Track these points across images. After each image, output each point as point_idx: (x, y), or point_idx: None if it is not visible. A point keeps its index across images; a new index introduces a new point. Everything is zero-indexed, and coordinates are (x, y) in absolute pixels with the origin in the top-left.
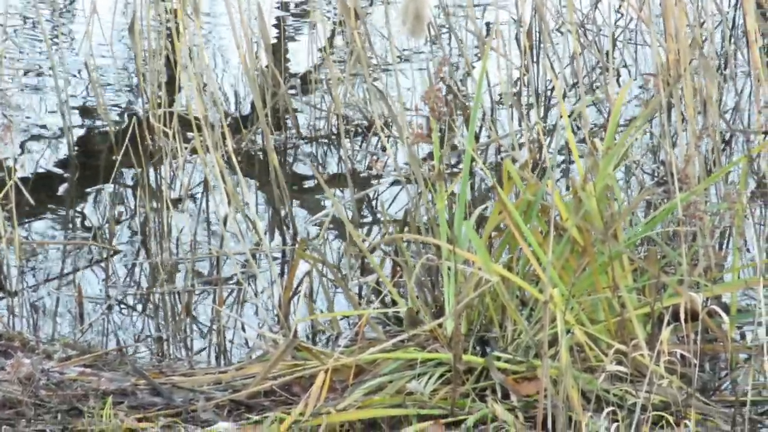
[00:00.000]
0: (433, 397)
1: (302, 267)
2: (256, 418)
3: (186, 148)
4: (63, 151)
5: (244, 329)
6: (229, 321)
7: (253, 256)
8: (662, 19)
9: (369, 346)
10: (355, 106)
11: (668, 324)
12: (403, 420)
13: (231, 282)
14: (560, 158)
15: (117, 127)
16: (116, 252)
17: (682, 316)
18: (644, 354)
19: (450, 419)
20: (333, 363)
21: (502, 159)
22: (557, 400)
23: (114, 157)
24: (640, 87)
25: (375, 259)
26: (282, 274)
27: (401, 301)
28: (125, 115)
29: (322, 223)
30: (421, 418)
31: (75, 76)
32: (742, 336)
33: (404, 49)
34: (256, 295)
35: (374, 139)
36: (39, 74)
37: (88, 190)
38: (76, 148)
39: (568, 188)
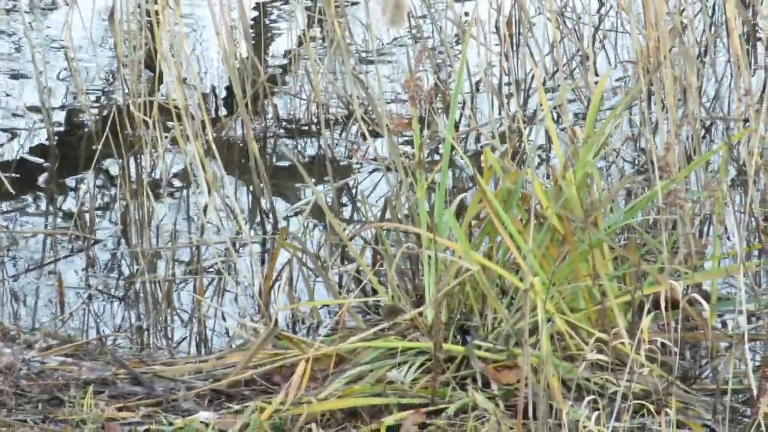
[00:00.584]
0: (413, 386)
1: (282, 256)
2: (237, 407)
3: (166, 137)
4: (43, 141)
5: (224, 318)
6: (210, 310)
7: (234, 245)
8: (642, 7)
9: (349, 335)
10: (335, 93)
11: (649, 312)
12: (384, 409)
13: (211, 271)
14: (540, 146)
15: (97, 117)
16: (97, 241)
17: (662, 304)
18: (625, 342)
19: (431, 408)
20: (314, 352)
21: (482, 147)
22: (538, 389)
23: (94, 147)
24: (617, 79)
25: (355, 247)
26: (262, 263)
27: (382, 290)
28: (105, 105)
29: (302, 212)
30: (402, 407)
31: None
32: (723, 324)
33: (387, 43)
34: (236, 284)
35: (354, 128)
36: (15, 75)
37: (68, 179)
38: (56, 137)
39: (548, 176)
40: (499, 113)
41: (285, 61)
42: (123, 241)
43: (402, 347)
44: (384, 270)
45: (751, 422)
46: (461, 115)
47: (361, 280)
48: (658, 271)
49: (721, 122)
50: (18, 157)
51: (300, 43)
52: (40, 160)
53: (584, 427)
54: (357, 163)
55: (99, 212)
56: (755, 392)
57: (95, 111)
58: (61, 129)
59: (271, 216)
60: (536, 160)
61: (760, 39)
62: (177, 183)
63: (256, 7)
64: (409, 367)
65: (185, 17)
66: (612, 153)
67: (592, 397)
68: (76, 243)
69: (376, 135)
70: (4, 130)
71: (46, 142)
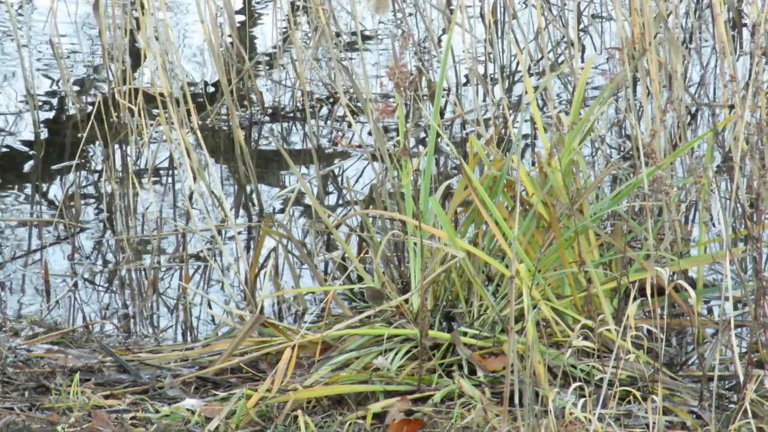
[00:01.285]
0: (399, 373)
1: (268, 243)
2: (223, 394)
3: (151, 125)
4: (29, 129)
5: (210, 306)
6: (196, 298)
7: (219, 232)
8: None
9: (335, 323)
10: (320, 81)
11: (635, 299)
12: (370, 396)
13: (197, 259)
14: (525, 133)
15: (82, 104)
16: (82, 229)
17: (648, 290)
18: (611, 329)
19: (417, 395)
20: (299, 339)
21: (467, 134)
22: (524, 376)
23: (79, 135)
24: (602, 62)
25: (341, 235)
26: (248, 250)
27: (367, 277)
28: (90, 92)
29: (287, 200)
30: (388, 395)
31: (40, 52)
32: (709, 311)
33: (373, 29)
34: (222, 271)
35: (339, 115)
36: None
37: (54, 167)
38: (41, 125)
39: (533, 163)
40: (485, 100)
41: (270, 49)
42: (109, 228)
43: (388, 334)
44: (370, 257)
45: (738, 408)
46: (446, 102)
47: (347, 268)
48: (644, 257)
49: (706, 108)
50: (3, 146)
51: (285, 31)
52: (26, 149)
53: (570, 413)
54: (342, 151)
55: (85, 200)
56: (741, 378)
57: (80, 99)
58: (47, 117)
59: (256, 203)
60: (521, 146)
61: (745, 25)
62: (162, 171)
63: None
64: (395, 354)
65: (169, 5)
66: (597, 139)
67: (578, 383)
68: (62, 231)
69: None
70: None
71: (32, 131)
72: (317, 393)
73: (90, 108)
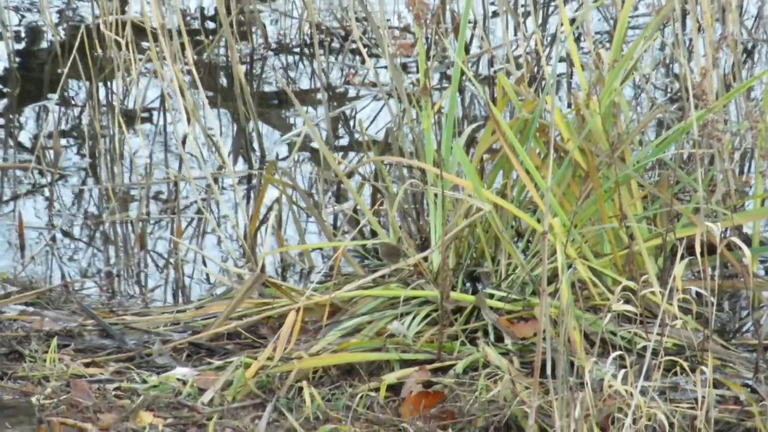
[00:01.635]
0: (417, 340)
1: (270, 194)
2: (219, 363)
3: (140, 60)
4: (1, 63)
5: (205, 263)
6: (189, 254)
7: (216, 181)
8: None
9: (345, 283)
10: (330, 11)
11: (682, 258)
12: (384, 366)
13: (191, 210)
14: (560, 71)
15: (63, 36)
16: (62, 176)
17: (697, 248)
18: (655, 291)
19: (436, 364)
20: (305, 301)
21: (495, 73)
22: (557, 343)
23: (59, 70)
24: None
25: (352, 184)
26: (248, 201)
27: (382, 232)
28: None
29: (292, 145)
30: (404, 364)
31: None
32: (766, 271)
33: None
34: (218, 225)
35: (351, 50)
36: None
37: (30, 106)
38: (17, 59)
39: (569, 105)
40: (515, 34)
41: None
42: (91, 176)
43: (404, 296)
44: (384, 210)
45: None
46: (472, 36)
47: (359, 221)
48: (693, 211)
49: (764, 44)
50: None
51: None
52: None
53: (609, 386)
54: (355, 90)
55: (64, 144)
56: None
57: (61, 30)
58: (23, 49)
59: (258, 149)
60: (556, 86)
61: None
62: (153, 112)
63: None
64: (413, 319)
65: None
66: (641, 79)
67: (618, 352)
68: (39, 178)
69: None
70: None
71: (6, 65)
72: (325, 362)
73: (71, 40)
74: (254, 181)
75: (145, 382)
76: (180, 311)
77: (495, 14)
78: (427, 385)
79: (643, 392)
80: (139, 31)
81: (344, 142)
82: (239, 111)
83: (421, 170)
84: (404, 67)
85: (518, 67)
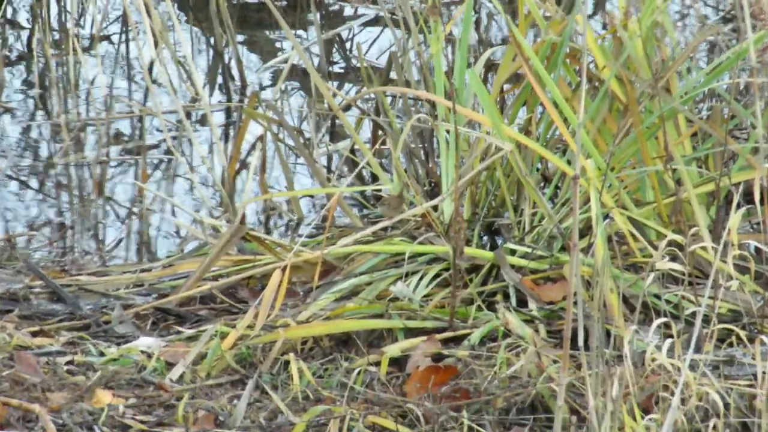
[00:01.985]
0: (425, 305)
1: (252, 130)
2: (190, 332)
3: None
4: None
5: (174, 213)
6: (156, 202)
7: (188, 116)
8: None
9: (341, 237)
10: None
11: (738, 206)
12: (386, 335)
13: (158, 151)
14: None
15: None
16: (6, 109)
17: (756, 195)
18: (706, 247)
19: (448, 334)
20: (292, 258)
21: None
22: (590, 309)
23: None
24: None
25: (349, 120)
26: (226, 140)
27: (384, 177)
28: None
29: (278, 73)
30: (410, 333)
31: None
32: None
33: None
34: (191, 168)
35: None
36: None
37: None
38: None
39: (604, 27)
40: None
41: None
42: (41, 109)
43: (410, 252)
44: (387, 150)
45: None
46: None
47: (357, 163)
48: (751, 152)
49: None
50: None
51: None
52: None
53: (653, 359)
54: (352, 8)
55: (9, 70)
56: None
57: None
58: None
59: (237, 77)
60: (589, 4)
61: None
62: (113, 34)
63: None
64: (420, 279)
65: None
66: None
67: (663, 319)
68: None
69: None
70: None
71: None
72: (315, 330)
73: None
74: (234, 116)
75: (102, 354)
76: (144, 270)
77: None
78: (436, 359)
79: (693, 367)
80: None
81: (339, 69)
82: (215, 33)
83: (430, 103)
84: None
85: None
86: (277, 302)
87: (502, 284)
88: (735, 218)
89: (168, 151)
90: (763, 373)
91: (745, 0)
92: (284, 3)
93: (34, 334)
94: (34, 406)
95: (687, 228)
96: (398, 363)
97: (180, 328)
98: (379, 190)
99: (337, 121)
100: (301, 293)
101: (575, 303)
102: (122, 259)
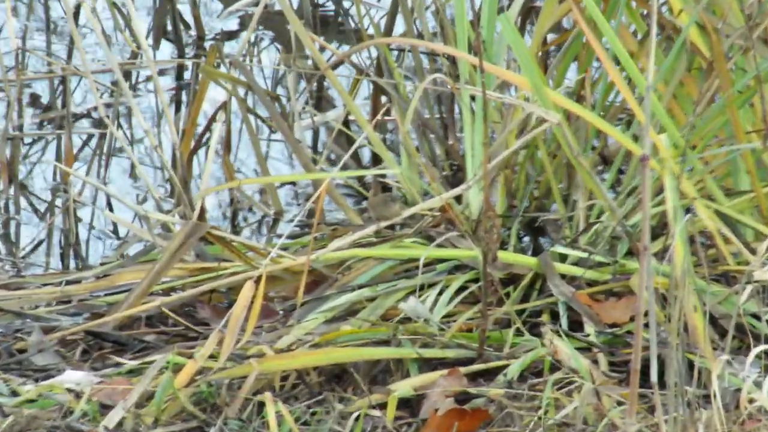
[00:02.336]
0: (446, 328)
1: (213, 96)
2: (133, 364)
3: None
4: None
5: (111, 206)
6: (86, 191)
7: (127, 76)
8: None
9: (333, 237)
10: None
11: None
12: (394, 367)
13: (87, 123)
14: None
15: None
16: None
17: None
18: None
19: (477, 366)
20: (269, 266)
21: None
22: (667, 333)
23: None
24: None
25: (341, 82)
26: (177, 108)
27: (388, 157)
28: None
29: (246, 19)
30: (426, 365)
31: None
32: None
33: None
34: (131, 145)
35: None
36: None
37: None
38: None
39: None
40: None
41: None
42: None
43: (426, 258)
44: (392, 123)
45: None
46: None
47: (352, 140)
48: None
49: None
50: None
51: None
52: None
53: (750, 400)
54: None
55: None
56: None
57: None
58: None
59: (193, 24)
60: None
61: None
62: None
63: None
64: (439, 294)
65: None
66: None
67: (764, 347)
68: None
69: None
70: None
71: None
72: (300, 362)
73: None
74: (187, 77)
75: (15, 394)
76: (72, 282)
77: None
78: (461, 400)
79: None
80: None
81: (328, 12)
82: None
83: (449, 59)
84: None
85: None
86: (249, 324)
87: (549, 300)
88: None
89: (100, 123)
90: None
91: None
92: None
93: None
94: None
95: None
96: (410, 405)
97: (119, 359)
98: (383, 176)
99: (325, 83)
100: (281, 312)
101: (646, 325)
102: (42, 266)
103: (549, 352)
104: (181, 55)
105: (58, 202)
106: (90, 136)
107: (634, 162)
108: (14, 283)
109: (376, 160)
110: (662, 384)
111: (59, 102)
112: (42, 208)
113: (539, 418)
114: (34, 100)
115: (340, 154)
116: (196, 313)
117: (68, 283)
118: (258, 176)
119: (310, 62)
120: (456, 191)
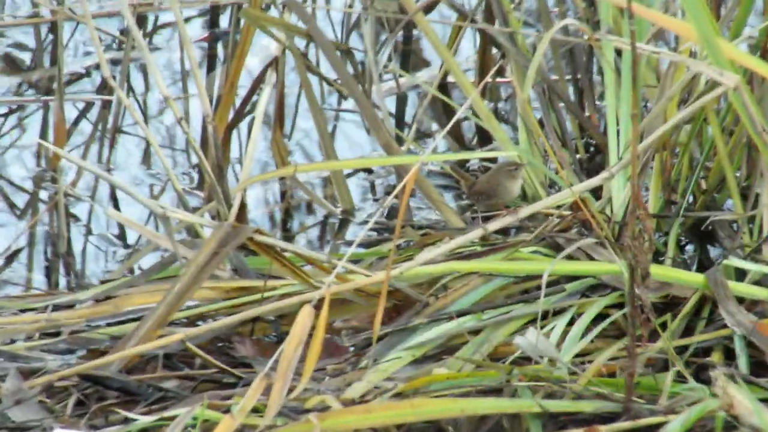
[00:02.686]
0: (579, 371)
1: (259, 50)
2: (145, 420)
3: None
4: None
5: (116, 201)
6: (82, 180)
7: (141, 21)
8: None
9: (423, 246)
10: None
11: None
12: (509, 425)
13: (87, 84)
14: None
15: None
16: None
17: None
18: None
19: (624, 424)
20: (334, 285)
21: None
22: None
23: None
24: None
25: (435, 30)
26: (210, 67)
27: (501, 134)
28: None
29: None
30: (553, 422)
31: None
32: None
33: None
34: (145, 116)
35: None
36: None
37: None
38: None
39: None
40: None
41: None
42: None
43: (552, 274)
44: (507, 86)
45: None
46: None
47: (452, 110)
48: None
49: None
50: None
51: None
52: None
53: None
54: None
55: None
56: None
57: None
58: None
59: None
60: None
61: None
62: None
63: None
64: (569, 325)
65: None
66: None
67: None
68: None
69: None
70: None
71: None
72: (377, 418)
73: None
74: (224, 23)
75: None
76: (61, 307)
77: None
78: None
79: None
80: None
81: None
82: None
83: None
84: None
85: None
86: (308, 365)
87: (721, 333)
88: None
89: (104, 87)
90: None
91: None
92: None
93: None
94: None
95: None
96: None
97: (128, 414)
98: (493, 160)
99: (415, 33)
100: (351, 349)
101: None
102: (22, 284)
103: (723, 406)
104: None
105: (44, 195)
106: (89, 105)
107: None
108: None
109: (484, 138)
110: None
111: (47, 58)
112: (21, 203)
113: None
114: (15, 50)
115: (433, 129)
116: (233, 350)
117: (56, 308)
118: (320, 162)
119: (394, 3)
120: (593, 181)
